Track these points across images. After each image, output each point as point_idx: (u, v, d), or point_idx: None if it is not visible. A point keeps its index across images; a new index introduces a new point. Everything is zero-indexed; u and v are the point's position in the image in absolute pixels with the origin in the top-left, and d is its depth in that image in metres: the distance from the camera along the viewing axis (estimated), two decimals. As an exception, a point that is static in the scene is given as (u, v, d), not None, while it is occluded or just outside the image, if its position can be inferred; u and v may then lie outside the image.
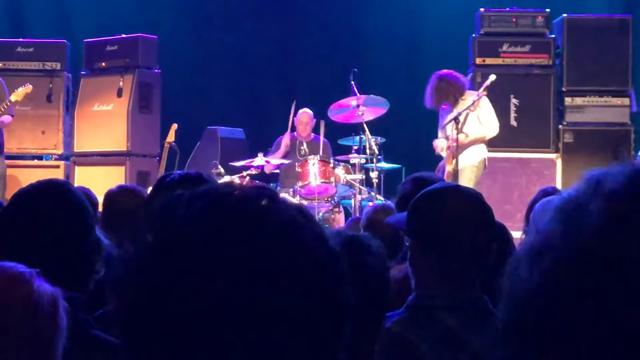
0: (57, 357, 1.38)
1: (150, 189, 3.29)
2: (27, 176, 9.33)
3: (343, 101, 9.53)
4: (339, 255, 1.08)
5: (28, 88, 9.45)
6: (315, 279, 1.03)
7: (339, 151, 9.98)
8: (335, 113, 9.63)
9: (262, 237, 1.02)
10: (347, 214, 9.43)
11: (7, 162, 9.57)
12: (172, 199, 1.08)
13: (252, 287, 0.99)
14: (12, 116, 9.34)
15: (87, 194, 4.80)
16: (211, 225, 1.03)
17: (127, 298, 1.05)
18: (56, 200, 2.23)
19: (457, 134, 8.14)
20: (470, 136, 8.30)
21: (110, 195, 4.36)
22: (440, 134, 8.55)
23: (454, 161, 8.10)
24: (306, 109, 10.18)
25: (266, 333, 0.99)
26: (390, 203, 4.89)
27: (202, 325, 0.99)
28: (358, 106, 9.34)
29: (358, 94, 9.45)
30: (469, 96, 8.35)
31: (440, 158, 8.69)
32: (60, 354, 1.38)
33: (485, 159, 8.41)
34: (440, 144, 8.46)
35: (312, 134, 10.21)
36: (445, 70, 8.52)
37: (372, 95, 9.53)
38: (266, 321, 0.99)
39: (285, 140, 10.01)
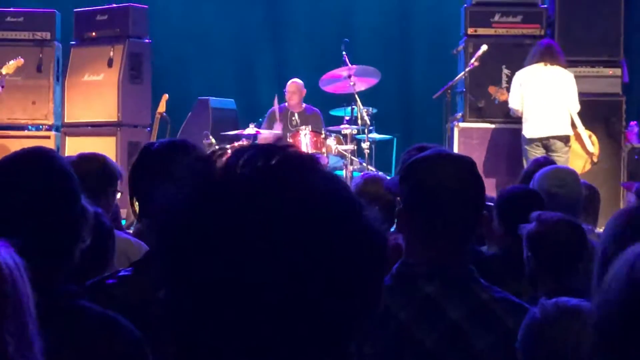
0: (32, 319, 1.37)
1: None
2: (18, 147, 9.21)
3: (334, 72, 9.52)
4: (383, 231, 1.09)
5: (19, 62, 9.41)
6: (358, 241, 1.05)
7: (330, 122, 9.97)
8: (327, 83, 9.62)
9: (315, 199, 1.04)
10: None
11: (-2, 132, 9.55)
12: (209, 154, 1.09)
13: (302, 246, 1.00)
14: (3, 87, 9.30)
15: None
16: (264, 173, 1.04)
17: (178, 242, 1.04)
18: (40, 167, 2.20)
19: None
20: None
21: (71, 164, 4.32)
22: None
23: None
24: (295, 79, 10.14)
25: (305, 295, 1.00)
26: (381, 174, 4.87)
27: (251, 278, 0.99)
28: (349, 77, 9.33)
29: (349, 65, 9.43)
30: None
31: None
32: (34, 323, 1.37)
33: (523, 135, 8.56)
34: None
35: (304, 104, 10.18)
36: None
37: (363, 66, 9.51)
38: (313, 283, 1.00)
39: (275, 115, 9.97)
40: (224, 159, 1.06)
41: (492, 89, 8.87)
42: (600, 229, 5.50)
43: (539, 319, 2.17)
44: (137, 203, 2.74)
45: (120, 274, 2.73)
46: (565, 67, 8.62)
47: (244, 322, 1.00)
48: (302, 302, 1.00)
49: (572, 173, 4.73)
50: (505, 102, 8.73)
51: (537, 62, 8.54)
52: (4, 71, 9.29)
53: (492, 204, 4.19)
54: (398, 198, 2.62)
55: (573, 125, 8.57)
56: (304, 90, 10.09)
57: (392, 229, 3.94)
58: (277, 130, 9.82)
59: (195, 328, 1.03)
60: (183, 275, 1.03)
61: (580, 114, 8.69)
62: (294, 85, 10.06)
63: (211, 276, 1.01)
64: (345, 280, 1.03)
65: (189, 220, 1.03)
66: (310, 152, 9.05)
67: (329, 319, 1.03)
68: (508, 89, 8.88)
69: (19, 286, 1.36)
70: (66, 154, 9.02)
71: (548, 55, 8.52)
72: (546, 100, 8.46)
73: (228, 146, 8.76)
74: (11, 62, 9.36)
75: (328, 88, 9.67)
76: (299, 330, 1.01)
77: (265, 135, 9.56)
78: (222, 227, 1.01)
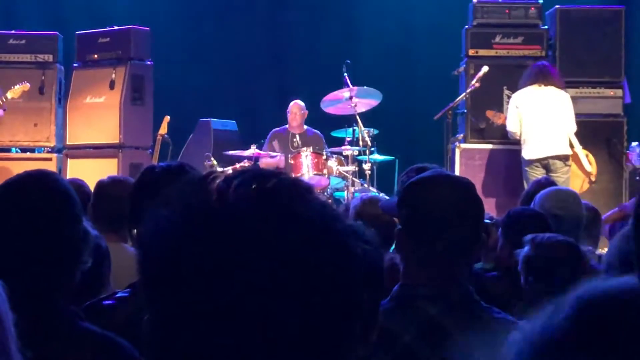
0: (12, 336, 1.36)
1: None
2: (19, 169, 9.18)
3: (336, 93, 9.54)
4: (362, 258, 1.09)
5: (25, 86, 9.46)
6: (343, 273, 1.04)
7: (332, 143, 9.98)
8: (328, 105, 9.64)
9: (302, 224, 1.03)
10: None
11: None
12: (202, 177, 1.08)
13: (284, 270, 0.99)
14: (5, 110, 9.35)
15: (81, 186, 4.81)
16: (252, 199, 1.03)
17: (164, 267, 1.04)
18: (43, 190, 2.21)
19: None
20: None
21: (101, 186, 4.36)
22: None
23: None
24: (297, 100, 10.17)
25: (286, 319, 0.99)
26: (379, 195, 4.87)
27: (233, 306, 0.98)
28: (351, 98, 9.35)
29: (351, 86, 9.45)
30: None
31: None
32: (12, 336, 1.36)
33: (522, 156, 8.61)
34: None
35: (305, 126, 10.20)
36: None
37: (365, 87, 9.53)
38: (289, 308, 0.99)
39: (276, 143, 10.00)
40: (215, 184, 1.05)
41: (489, 113, 8.90)
42: (601, 250, 5.50)
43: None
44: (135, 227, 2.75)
45: (118, 295, 2.73)
46: (560, 88, 8.65)
47: (226, 350, 0.99)
48: (290, 328, 0.99)
49: (573, 194, 4.74)
50: (504, 125, 8.76)
51: (531, 84, 8.58)
52: (9, 95, 9.34)
53: (488, 220, 4.20)
54: (396, 219, 2.62)
55: (571, 145, 8.59)
56: (306, 112, 10.11)
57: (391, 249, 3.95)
58: (277, 151, 9.84)
59: (177, 354, 1.02)
60: (168, 301, 1.02)
61: (582, 134, 8.71)
62: (297, 107, 10.09)
63: (199, 304, 0.99)
64: (337, 307, 1.02)
65: (176, 246, 1.02)
66: (311, 173, 9.08)
67: (318, 345, 1.02)
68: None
69: None
70: (68, 176, 9.03)
71: (541, 77, 8.56)
72: (543, 121, 8.48)
73: (228, 168, 8.77)
74: (17, 86, 9.41)
75: (329, 109, 9.69)
76: (289, 357, 1.00)
77: (267, 160, 9.59)
78: (210, 254, 0.99)
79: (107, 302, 2.73)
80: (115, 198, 4.13)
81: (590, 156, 8.77)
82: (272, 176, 1.07)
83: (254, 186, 1.04)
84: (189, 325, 1.01)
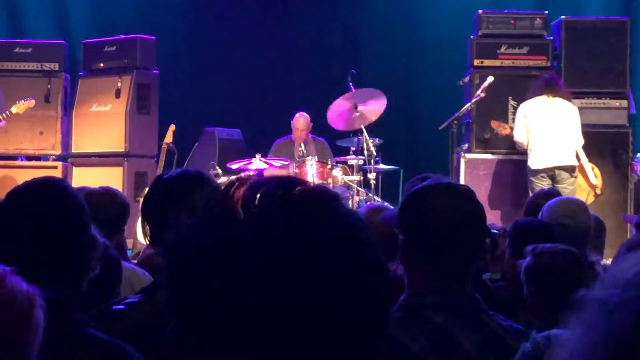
0: (32, 357, 1.36)
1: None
2: (24, 177, 9.23)
3: (339, 102, 9.41)
4: (386, 266, 1.09)
5: (31, 103, 9.49)
6: (370, 282, 1.05)
7: (337, 152, 9.98)
8: (334, 118, 9.51)
9: (328, 236, 1.03)
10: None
11: (5, 162, 9.59)
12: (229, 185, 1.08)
13: (308, 286, 1.00)
14: (6, 120, 9.39)
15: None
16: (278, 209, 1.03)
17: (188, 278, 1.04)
18: (51, 197, 2.22)
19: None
20: None
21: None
22: None
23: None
24: (303, 114, 10.10)
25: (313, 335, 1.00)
26: (385, 204, 4.87)
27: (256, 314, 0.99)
28: (355, 107, 9.32)
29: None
30: None
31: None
32: (35, 354, 1.36)
33: (529, 166, 8.62)
34: None
35: (309, 135, 10.17)
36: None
37: (366, 89, 9.47)
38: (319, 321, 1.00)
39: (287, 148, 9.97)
40: (240, 193, 1.06)
41: (494, 124, 8.90)
42: (607, 260, 5.49)
43: (530, 351, 2.16)
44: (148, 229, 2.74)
45: (129, 300, 2.73)
46: (568, 99, 8.66)
47: (253, 357, 1.00)
48: (314, 339, 1.00)
49: (581, 204, 4.74)
50: (509, 135, 8.76)
51: (539, 94, 8.59)
52: (14, 110, 9.38)
53: (496, 231, 4.21)
54: (396, 229, 2.62)
55: (577, 157, 8.60)
56: (311, 124, 10.08)
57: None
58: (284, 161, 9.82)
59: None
60: (193, 310, 1.03)
61: (587, 145, 8.71)
62: (304, 122, 9.98)
63: (225, 313, 1.00)
64: (366, 315, 1.03)
65: (201, 255, 1.03)
66: (316, 182, 9.07)
67: (338, 353, 1.02)
68: (514, 120, 8.91)
69: (30, 317, 1.36)
70: (73, 185, 9.03)
71: (549, 88, 8.57)
72: (551, 131, 8.49)
73: (242, 175, 8.76)
74: (22, 102, 9.44)
75: (335, 124, 9.56)
76: None
77: (273, 170, 9.55)
78: (235, 263, 1.00)
79: (117, 307, 2.74)
80: (105, 209, 4.10)
81: (596, 169, 8.77)
82: (297, 184, 1.07)
83: (279, 195, 1.04)
84: (215, 335, 1.01)
